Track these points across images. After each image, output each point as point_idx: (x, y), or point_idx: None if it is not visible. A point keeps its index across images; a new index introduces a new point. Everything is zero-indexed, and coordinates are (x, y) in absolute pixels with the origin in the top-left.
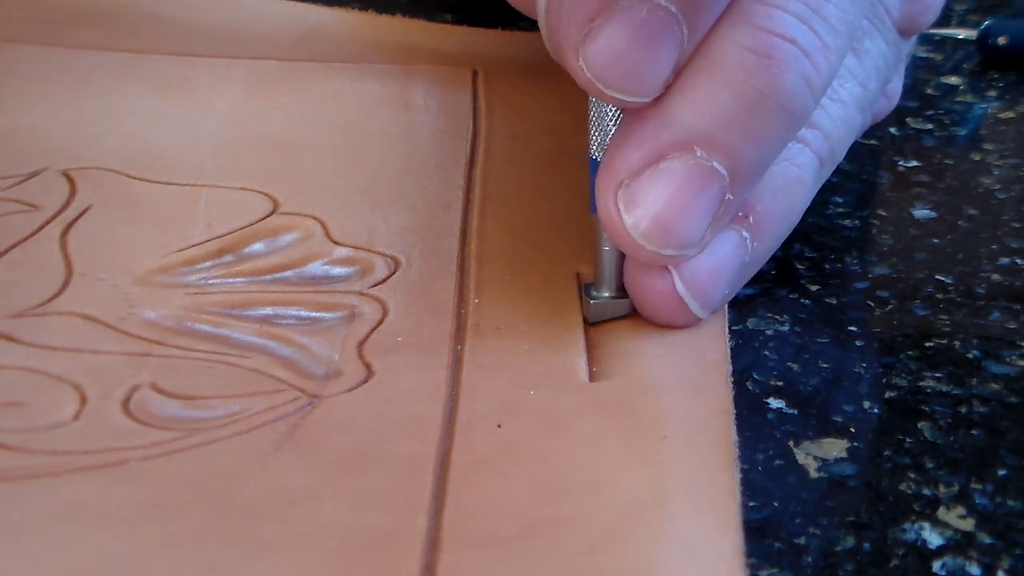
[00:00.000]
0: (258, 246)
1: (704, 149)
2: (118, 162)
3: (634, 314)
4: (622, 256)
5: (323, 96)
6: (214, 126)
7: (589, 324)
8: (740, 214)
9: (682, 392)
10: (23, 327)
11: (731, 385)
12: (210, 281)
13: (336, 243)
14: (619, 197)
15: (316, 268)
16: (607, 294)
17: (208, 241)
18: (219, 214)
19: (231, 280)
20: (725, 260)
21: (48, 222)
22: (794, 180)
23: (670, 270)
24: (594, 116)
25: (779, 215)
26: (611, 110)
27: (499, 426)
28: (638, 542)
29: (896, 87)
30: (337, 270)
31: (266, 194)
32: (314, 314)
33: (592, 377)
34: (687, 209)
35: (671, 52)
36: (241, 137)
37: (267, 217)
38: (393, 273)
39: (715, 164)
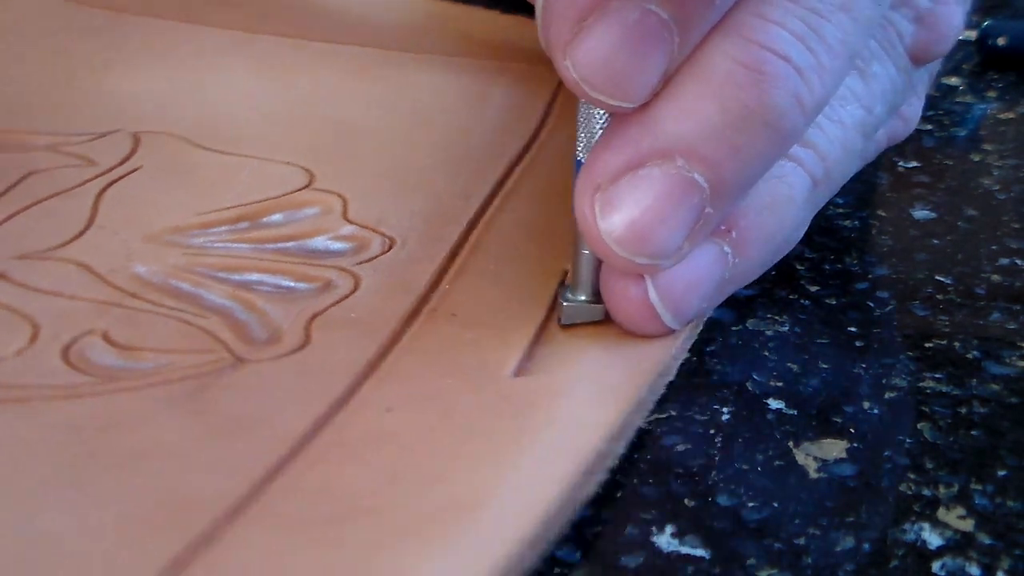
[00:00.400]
0: (277, 216)
1: (686, 159)
2: (190, 130)
3: (609, 320)
4: (599, 260)
5: (407, 86)
6: (292, 105)
7: (561, 326)
8: (723, 228)
9: (583, 399)
10: (20, 268)
11: (650, 397)
12: (215, 244)
13: (348, 221)
14: (596, 200)
15: (319, 242)
16: (582, 297)
17: (231, 208)
18: (256, 184)
19: (235, 245)
20: (703, 273)
21: (94, 178)
22: (783, 199)
23: (645, 278)
24: (582, 117)
25: (765, 233)
26: (600, 112)
27: (388, 410)
28: (430, 541)
29: (915, 110)
30: (336, 245)
31: (306, 169)
32: (293, 284)
33: (518, 373)
34: (663, 218)
35: (661, 58)
36: (313, 117)
37: (298, 191)
38: (384, 252)
39: (696, 176)
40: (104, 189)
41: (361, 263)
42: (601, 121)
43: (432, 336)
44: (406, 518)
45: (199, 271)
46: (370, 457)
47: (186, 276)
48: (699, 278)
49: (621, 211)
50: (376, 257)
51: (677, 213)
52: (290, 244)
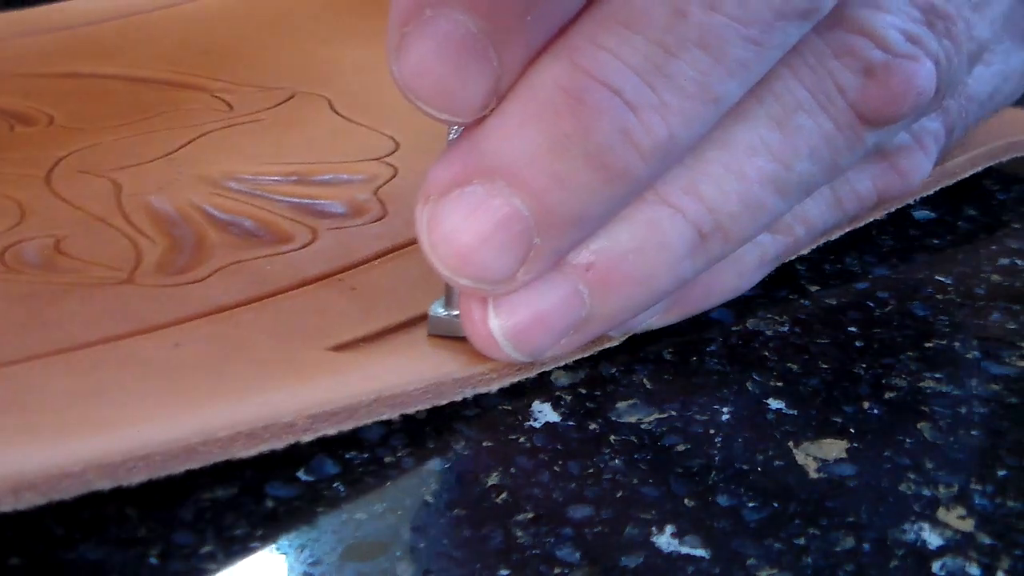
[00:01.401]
0: (328, 176)
1: (507, 184)
2: (340, 95)
3: None
4: None
5: None
6: None
7: (429, 335)
8: (578, 264)
9: (327, 384)
10: (70, 180)
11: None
12: (249, 190)
13: (376, 194)
14: (424, 213)
15: (323, 203)
16: (454, 312)
17: (297, 164)
18: (342, 147)
19: (265, 194)
20: (553, 309)
21: (216, 121)
22: (653, 245)
23: (487, 302)
24: (448, 129)
25: (628, 277)
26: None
27: (176, 345)
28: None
29: (916, 164)
30: (334, 207)
31: (394, 139)
32: (254, 227)
33: (337, 348)
34: (484, 241)
35: (482, 74)
36: None
37: (367, 161)
38: (369, 222)
39: (518, 202)
40: (208, 132)
41: (337, 228)
42: (455, 130)
43: (308, 300)
44: (59, 423)
45: (200, 206)
46: (99, 375)
47: (181, 207)
48: (548, 313)
49: (443, 228)
50: (357, 226)
51: (498, 237)
52: (307, 201)
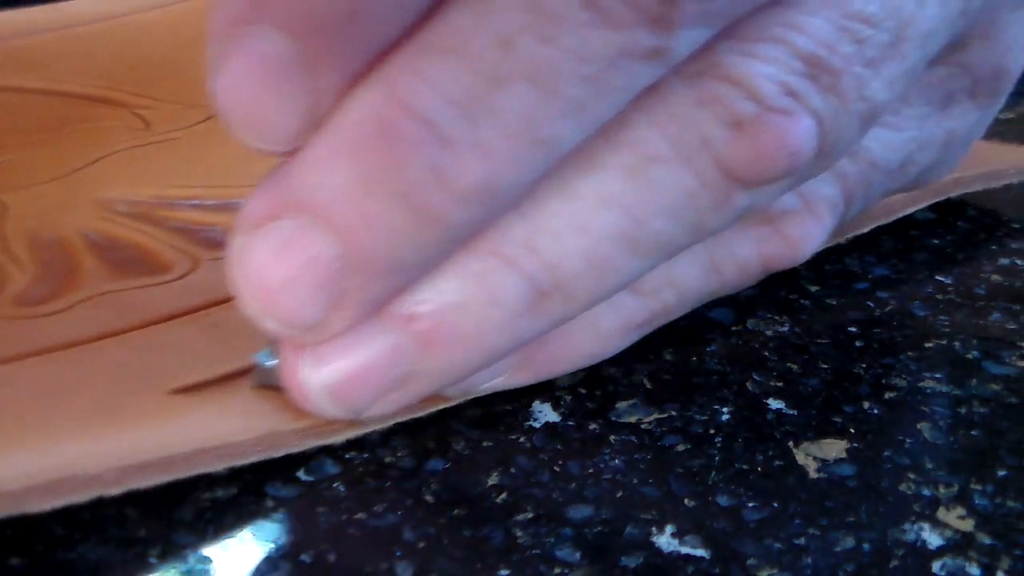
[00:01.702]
0: (223, 201)
1: (315, 220)
2: None
3: None
4: None
5: None
6: None
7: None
8: (402, 315)
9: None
10: None
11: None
12: (139, 213)
13: None
14: (234, 247)
15: (215, 231)
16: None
17: (222, 187)
18: (255, 170)
19: (156, 219)
20: (372, 363)
21: (126, 139)
22: (483, 300)
23: (302, 351)
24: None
25: (455, 334)
26: None
27: (10, 383)
28: None
29: (806, 231)
30: (222, 235)
31: None
32: (133, 257)
33: (177, 391)
34: (290, 281)
35: (296, 99)
36: None
37: None
38: None
39: (324, 240)
40: (120, 151)
41: (218, 259)
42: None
43: (165, 336)
44: None
45: (83, 231)
46: None
47: (65, 233)
48: (365, 366)
49: (250, 265)
50: None
51: (305, 278)
52: (193, 227)
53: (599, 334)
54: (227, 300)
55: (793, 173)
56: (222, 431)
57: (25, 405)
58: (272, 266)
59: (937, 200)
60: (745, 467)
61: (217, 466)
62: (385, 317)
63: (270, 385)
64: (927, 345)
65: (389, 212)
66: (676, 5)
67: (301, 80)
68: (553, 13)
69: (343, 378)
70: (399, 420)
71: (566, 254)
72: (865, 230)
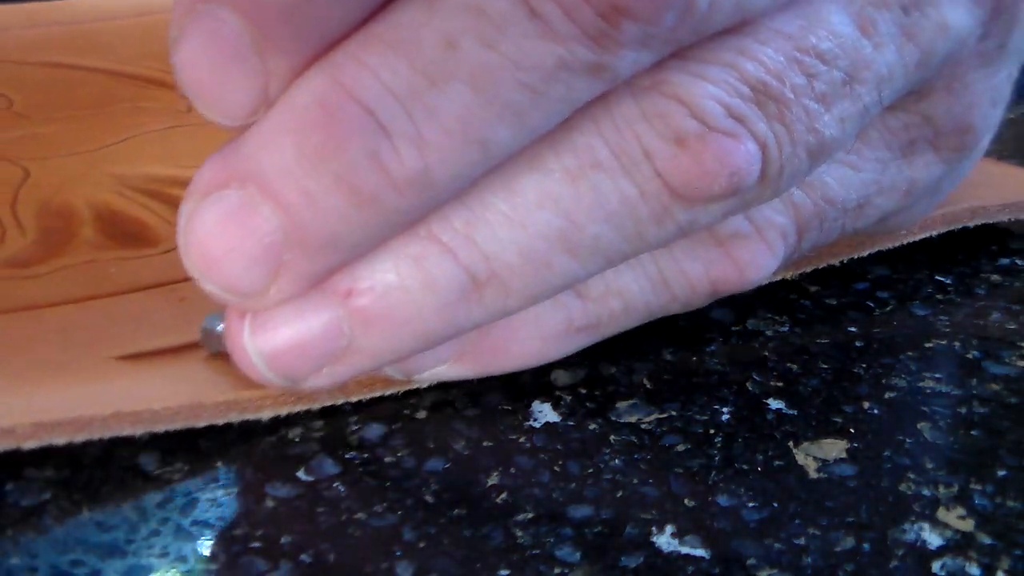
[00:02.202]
0: None
1: (259, 192)
2: None
3: None
4: None
5: None
6: None
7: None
8: (340, 290)
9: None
10: None
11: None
12: (151, 189)
13: None
14: (183, 213)
15: None
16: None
17: None
18: None
19: (165, 196)
20: (312, 335)
21: (162, 120)
22: (418, 283)
23: (245, 318)
24: None
25: (389, 314)
26: None
27: None
28: None
29: (755, 258)
30: None
31: None
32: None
33: (124, 358)
34: (231, 249)
35: (248, 77)
36: None
37: None
38: None
39: (266, 210)
40: (152, 131)
41: None
42: None
43: (130, 306)
44: None
45: (92, 202)
46: None
47: (73, 202)
48: (305, 337)
49: (195, 231)
50: None
51: (245, 247)
52: None
53: (542, 332)
54: None
55: (734, 195)
56: (147, 396)
57: None
58: (216, 233)
59: (952, 228)
60: (745, 467)
61: (135, 431)
62: (325, 291)
63: (216, 350)
64: (927, 345)
65: (327, 191)
66: (618, 26)
67: (252, 61)
68: (499, 19)
69: (281, 346)
70: (348, 400)
71: (503, 247)
72: (865, 252)
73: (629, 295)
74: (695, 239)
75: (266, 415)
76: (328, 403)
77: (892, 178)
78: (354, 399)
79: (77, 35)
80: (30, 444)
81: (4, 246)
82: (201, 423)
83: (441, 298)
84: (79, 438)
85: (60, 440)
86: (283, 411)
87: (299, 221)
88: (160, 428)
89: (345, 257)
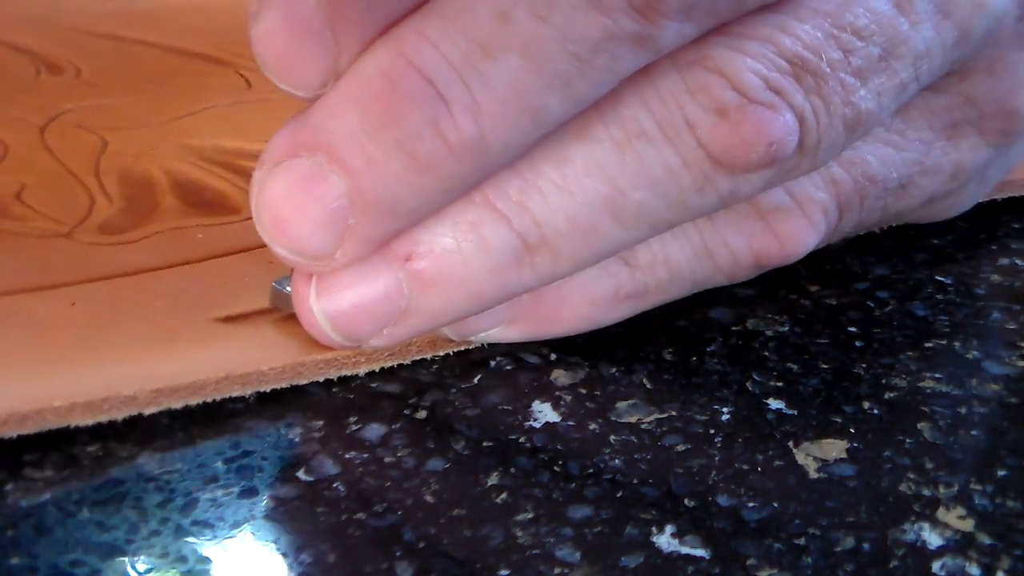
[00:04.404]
0: None
1: (327, 160)
2: None
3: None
4: None
5: None
6: None
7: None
8: (401, 254)
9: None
10: (61, 128)
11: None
12: (223, 160)
13: None
14: (256, 180)
15: None
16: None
17: None
18: None
19: (237, 167)
20: (372, 296)
21: (227, 96)
22: (473, 246)
23: (312, 279)
24: None
25: (446, 276)
26: None
27: (73, 303)
28: None
29: (797, 232)
30: None
31: None
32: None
33: (227, 320)
34: (301, 214)
35: (320, 51)
36: None
37: None
38: None
39: (334, 176)
40: (218, 106)
41: None
42: None
43: (221, 270)
44: None
45: (171, 172)
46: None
47: (153, 172)
48: (369, 300)
49: (268, 196)
50: None
51: (314, 212)
52: None
53: (592, 299)
54: None
55: (773, 164)
56: (252, 358)
57: (82, 325)
58: (286, 199)
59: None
60: (745, 467)
61: (244, 391)
62: (387, 255)
63: (283, 309)
64: (927, 345)
65: (391, 158)
66: None
67: (324, 36)
68: None
69: (345, 308)
70: (413, 358)
71: (552, 213)
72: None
73: (675, 264)
74: (738, 212)
75: (362, 370)
76: (417, 357)
77: (936, 159)
78: (428, 355)
79: (135, 12)
80: (150, 409)
81: (96, 214)
82: (303, 381)
83: (495, 262)
84: (193, 401)
85: (177, 404)
86: (376, 366)
87: (363, 187)
88: (267, 387)
89: (405, 222)
